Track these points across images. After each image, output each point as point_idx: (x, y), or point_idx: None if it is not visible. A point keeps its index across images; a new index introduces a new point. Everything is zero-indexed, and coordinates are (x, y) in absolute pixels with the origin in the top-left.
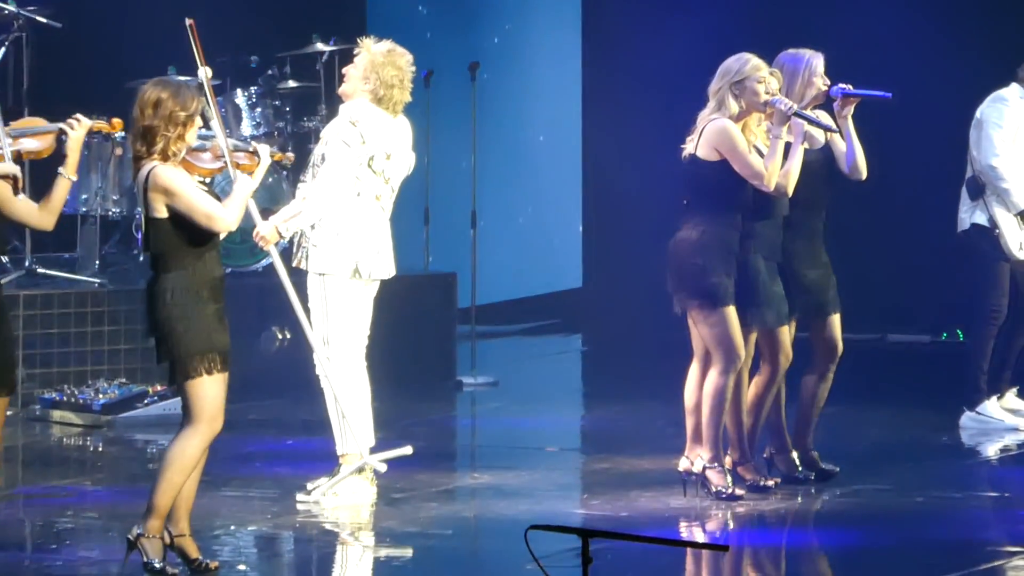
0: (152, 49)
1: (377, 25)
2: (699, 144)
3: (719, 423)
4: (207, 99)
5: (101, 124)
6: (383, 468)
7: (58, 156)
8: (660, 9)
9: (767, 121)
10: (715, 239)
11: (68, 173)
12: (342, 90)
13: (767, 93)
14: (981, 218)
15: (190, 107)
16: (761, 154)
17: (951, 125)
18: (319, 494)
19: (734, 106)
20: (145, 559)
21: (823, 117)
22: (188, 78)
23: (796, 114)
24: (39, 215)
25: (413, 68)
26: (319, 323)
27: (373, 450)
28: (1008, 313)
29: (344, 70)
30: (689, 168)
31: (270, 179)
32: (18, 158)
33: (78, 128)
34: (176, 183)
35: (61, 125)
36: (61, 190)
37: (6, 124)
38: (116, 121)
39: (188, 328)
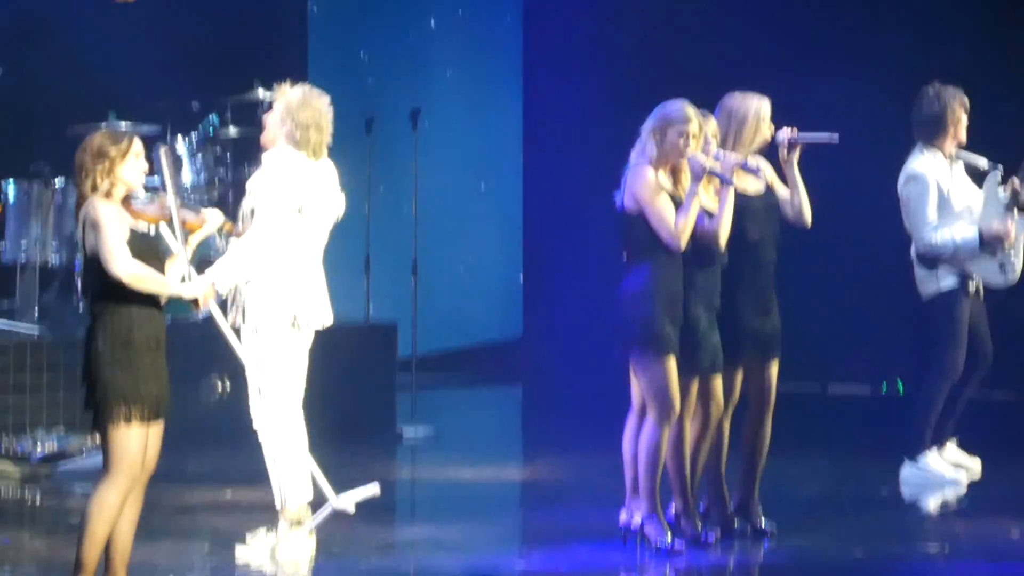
0: (93, 95)
1: (318, 71)
2: (624, 195)
3: (655, 475)
4: (163, 171)
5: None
6: (351, 510)
7: None
8: (600, 60)
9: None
10: (660, 287)
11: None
12: (263, 139)
13: (687, 147)
14: (949, 282)
15: (120, 141)
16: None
17: (891, 178)
18: (258, 547)
19: (654, 151)
20: None
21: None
22: (127, 123)
23: (710, 173)
24: None
25: (331, 109)
26: (254, 375)
27: (312, 503)
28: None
29: (264, 118)
30: (621, 222)
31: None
32: None
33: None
34: (102, 216)
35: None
36: None
37: None
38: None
39: (112, 374)
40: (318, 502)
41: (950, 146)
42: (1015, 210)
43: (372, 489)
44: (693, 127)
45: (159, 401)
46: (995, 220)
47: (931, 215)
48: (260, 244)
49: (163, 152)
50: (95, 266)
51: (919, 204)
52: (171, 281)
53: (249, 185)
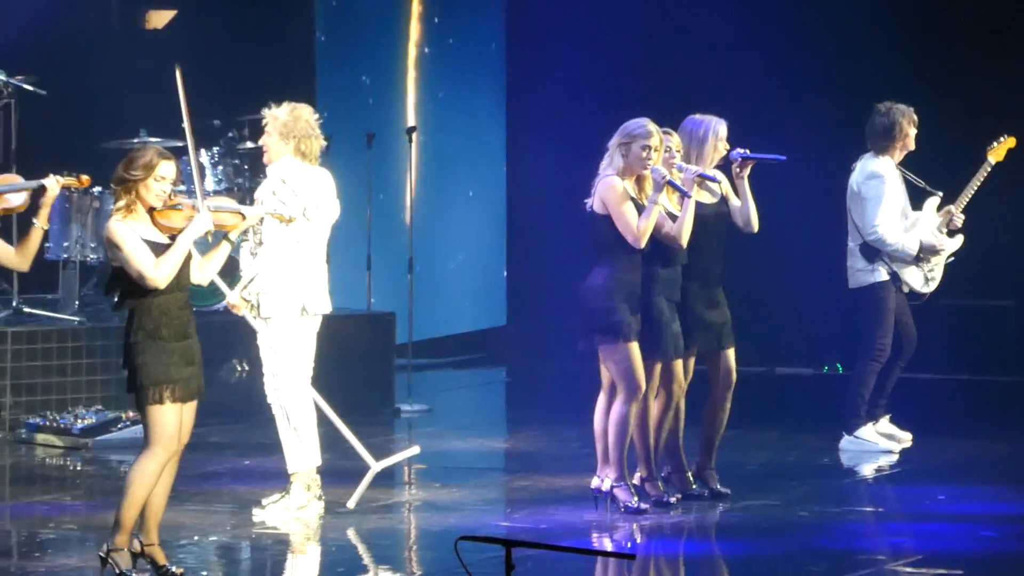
0: (126, 114)
1: (325, 93)
2: (594, 200)
3: (623, 446)
4: (191, 164)
5: (71, 180)
6: (378, 468)
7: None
8: (575, 83)
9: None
10: (619, 283)
11: (42, 223)
12: (266, 158)
13: (649, 160)
14: (884, 275)
15: (151, 164)
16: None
17: (830, 182)
18: (273, 509)
19: (620, 162)
20: (117, 571)
21: (695, 182)
22: (158, 140)
23: (669, 183)
24: (16, 258)
25: (317, 115)
26: (269, 360)
27: (320, 469)
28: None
29: (261, 142)
30: (591, 224)
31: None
32: None
33: (53, 186)
34: (119, 237)
35: (43, 182)
36: (36, 239)
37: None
38: (84, 178)
39: (146, 362)
40: (326, 470)
41: (898, 155)
42: (944, 231)
43: (413, 450)
44: (654, 141)
45: (190, 383)
46: (930, 236)
47: (888, 211)
48: (274, 252)
49: (188, 130)
50: (119, 273)
51: (877, 200)
52: (182, 238)
53: (258, 195)
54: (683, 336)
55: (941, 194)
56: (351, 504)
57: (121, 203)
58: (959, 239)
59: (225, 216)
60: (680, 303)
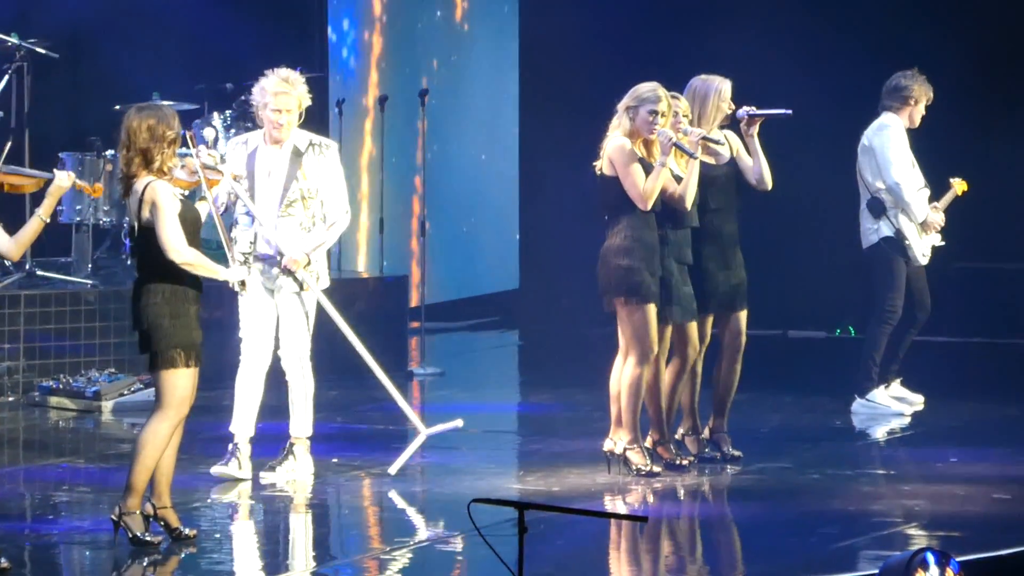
0: (138, 77)
1: (337, 56)
2: (604, 162)
3: (637, 409)
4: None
5: (84, 185)
6: (428, 433)
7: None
8: (589, 44)
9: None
10: (638, 242)
11: (43, 214)
12: (285, 134)
13: (656, 124)
14: (888, 231)
15: (176, 127)
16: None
17: (844, 144)
18: (283, 471)
19: (627, 125)
20: (131, 534)
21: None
22: (169, 103)
23: (675, 145)
24: (10, 246)
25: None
26: (304, 327)
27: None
28: (901, 314)
29: (287, 121)
30: (600, 186)
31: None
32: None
33: (64, 180)
34: (162, 200)
35: (55, 173)
36: (33, 228)
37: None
38: (98, 186)
39: (173, 325)
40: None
41: (907, 120)
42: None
43: (456, 423)
44: (662, 106)
45: (200, 348)
46: (931, 211)
47: (901, 161)
48: (344, 219)
49: (188, 136)
50: (148, 235)
51: (887, 149)
52: (218, 268)
53: (312, 168)
54: (698, 299)
55: (928, 189)
56: (393, 470)
57: (155, 165)
58: (938, 237)
59: (210, 173)
60: (694, 265)
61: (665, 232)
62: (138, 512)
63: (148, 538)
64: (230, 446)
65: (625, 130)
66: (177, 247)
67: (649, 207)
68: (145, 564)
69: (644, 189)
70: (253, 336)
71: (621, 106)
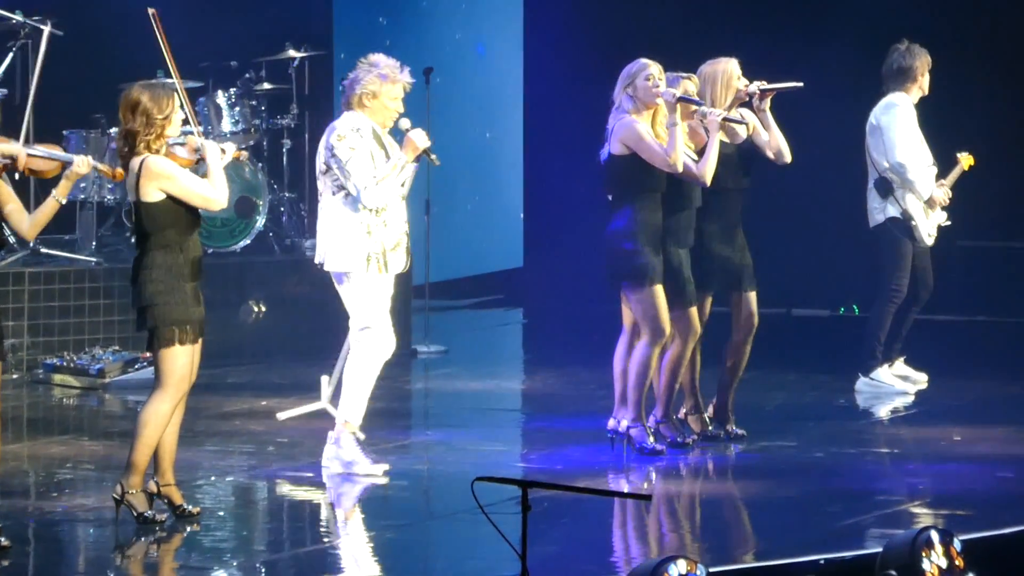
0: (144, 54)
1: (342, 35)
2: (611, 143)
3: (643, 388)
4: (181, 98)
5: (104, 169)
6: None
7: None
8: (593, 22)
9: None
10: (643, 224)
11: (60, 196)
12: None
13: (656, 86)
14: (895, 211)
15: (165, 110)
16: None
17: (852, 124)
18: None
19: (630, 104)
20: (134, 513)
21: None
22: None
23: (680, 99)
24: (26, 227)
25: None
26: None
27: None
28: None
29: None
30: (607, 167)
31: (247, 171)
32: (15, 171)
33: (83, 166)
34: (170, 170)
35: (73, 158)
36: (49, 210)
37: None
38: (119, 171)
39: (168, 302)
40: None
41: (915, 95)
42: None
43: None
44: (654, 69)
45: (200, 323)
46: (937, 188)
47: (908, 138)
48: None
49: (177, 81)
50: (153, 209)
51: (894, 128)
52: (215, 167)
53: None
54: (701, 277)
55: (935, 167)
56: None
57: (139, 147)
58: (944, 214)
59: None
60: (698, 244)
61: (666, 215)
62: (141, 490)
63: (152, 516)
64: (356, 441)
65: (630, 108)
66: (213, 196)
67: (680, 169)
68: (149, 541)
69: (669, 155)
70: (386, 322)
71: (618, 90)
